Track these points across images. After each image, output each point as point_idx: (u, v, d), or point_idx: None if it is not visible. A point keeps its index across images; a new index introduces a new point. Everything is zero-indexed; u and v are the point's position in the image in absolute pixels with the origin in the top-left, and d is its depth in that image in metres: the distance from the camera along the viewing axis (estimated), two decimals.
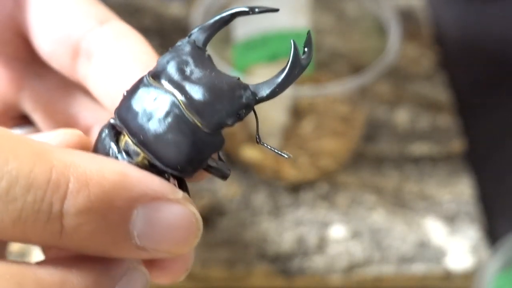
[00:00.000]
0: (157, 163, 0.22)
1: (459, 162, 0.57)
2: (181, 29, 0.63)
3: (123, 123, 0.23)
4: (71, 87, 0.29)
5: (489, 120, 0.61)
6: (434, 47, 0.65)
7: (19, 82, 0.29)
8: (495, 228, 0.53)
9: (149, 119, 0.22)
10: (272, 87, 0.23)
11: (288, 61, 0.24)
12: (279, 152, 0.24)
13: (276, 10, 0.25)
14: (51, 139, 0.25)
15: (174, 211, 0.22)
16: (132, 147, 0.23)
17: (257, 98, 0.23)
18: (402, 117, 0.59)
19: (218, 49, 0.54)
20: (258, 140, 0.24)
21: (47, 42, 0.27)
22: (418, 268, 0.50)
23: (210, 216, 0.53)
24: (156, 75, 0.22)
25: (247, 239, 0.52)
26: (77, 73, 0.27)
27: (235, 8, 0.25)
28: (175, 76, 0.22)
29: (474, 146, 0.58)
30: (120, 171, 0.21)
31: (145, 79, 0.23)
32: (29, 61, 0.29)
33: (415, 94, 0.61)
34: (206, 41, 0.24)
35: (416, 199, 0.54)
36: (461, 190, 0.55)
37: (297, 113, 0.54)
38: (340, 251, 0.51)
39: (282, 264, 0.51)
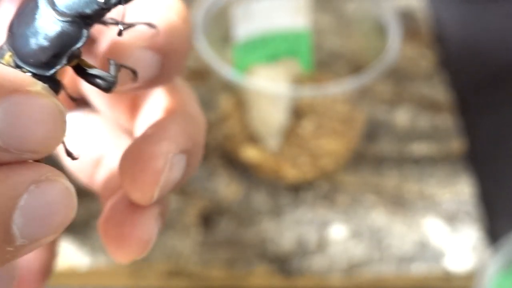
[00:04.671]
0: (16, 59, 0.22)
1: (459, 162, 0.57)
2: None
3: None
4: None
5: (489, 120, 0.61)
6: (434, 47, 0.65)
7: None
8: (495, 228, 0.53)
9: (18, 17, 0.22)
10: None
11: None
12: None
13: None
14: None
15: (34, 103, 0.20)
16: (5, 46, 0.22)
17: None
18: (402, 117, 0.59)
19: (218, 49, 0.54)
20: (120, 33, 0.22)
21: None
22: (418, 268, 0.50)
23: (210, 216, 0.53)
24: None
25: (247, 239, 0.52)
26: None
27: None
28: None
29: (474, 146, 0.58)
30: None
31: None
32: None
33: (415, 94, 0.61)
34: None
35: (416, 199, 0.54)
36: (461, 190, 0.55)
37: (297, 113, 0.54)
38: (340, 251, 0.51)
39: (282, 264, 0.51)
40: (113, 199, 0.26)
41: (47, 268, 0.29)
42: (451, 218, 0.53)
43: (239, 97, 0.55)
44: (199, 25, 0.54)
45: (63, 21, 0.21)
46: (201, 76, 0.61)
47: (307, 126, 0.54)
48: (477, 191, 0.55)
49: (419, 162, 0.57)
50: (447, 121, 0.59)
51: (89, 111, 0.30)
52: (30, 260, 0.29)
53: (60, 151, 0.30)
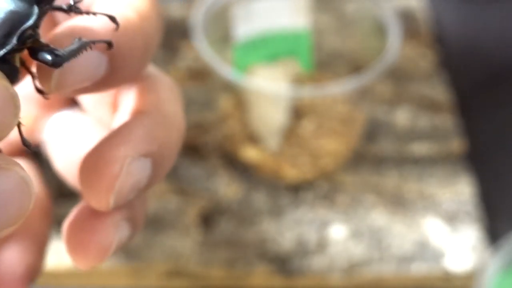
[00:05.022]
0: None
1: (459, 162, 0.57)
2: (181, 30, 0.63)
3: None
4: None
5: (489, 120, 0.61)
6: (434, 47, 0.65)
7: None
8: (495, 228, 0.53)
9: None
10: None
11: None
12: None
13: None
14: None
15: None
16: None
17: None
18: (402, 117, 0.60)
19: (218, 49, 0.54)
20: (69, 8, 0.21)
21: None
22: (418, 268, 0.50)
23: (210, 216, 0.53)
24: None
25: (247, 239, 0.52)
26: None
27: None
28: None
29: (474, 146, 0.58)
30: None
31: None
32: None
33: (415, 94, 0.61)
34: None
35: (416, 199, 0.54)
36: (461, 190, 0.55)
37: (297, 113, 0.54)
38: (340, 251, 0.51)
39: (282, 264, 0.51)
40: (79, 205, 0.25)
41: (32, 271, 0.29)
42: (451, 218, 0.53)
43: (239, 97, 0.55)
44: (199, 25, 0.54)
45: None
46: (201, 76, 0.61)
47: (307, 126, 0.54)
48: (477, 191, 0.55)
49: (419, 162, 0.57)
50: (447, 121, 0.59)
51: (77, 110, 0.29)
52: (13, 264, 0.28)
53: (51, 152, 0.29)
